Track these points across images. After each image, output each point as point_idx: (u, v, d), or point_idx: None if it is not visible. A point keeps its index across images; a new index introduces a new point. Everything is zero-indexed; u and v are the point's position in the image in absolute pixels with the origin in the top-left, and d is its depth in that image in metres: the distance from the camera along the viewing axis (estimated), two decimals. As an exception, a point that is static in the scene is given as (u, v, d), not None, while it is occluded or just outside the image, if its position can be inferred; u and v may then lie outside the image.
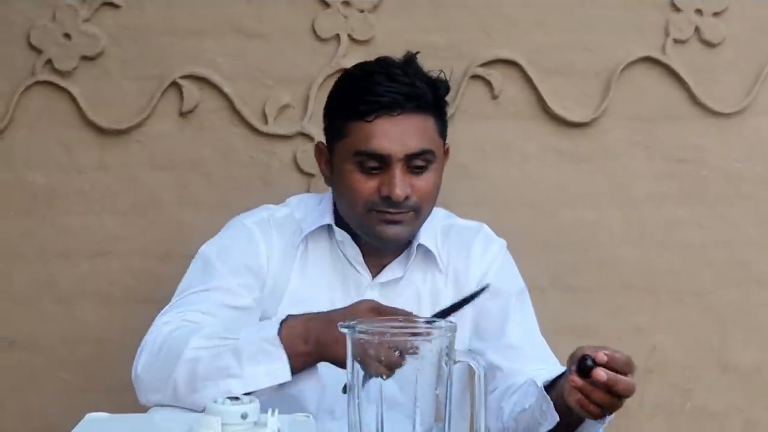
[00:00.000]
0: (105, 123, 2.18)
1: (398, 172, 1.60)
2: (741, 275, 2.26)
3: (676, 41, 2.21)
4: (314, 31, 2.18)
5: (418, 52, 1.69)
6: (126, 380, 1.57)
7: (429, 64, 2.16)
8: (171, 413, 1.42)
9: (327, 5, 2.18)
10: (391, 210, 1.61)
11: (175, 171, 2.20)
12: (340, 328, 1.21)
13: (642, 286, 2.25)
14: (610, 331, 2.25)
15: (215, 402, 1.09)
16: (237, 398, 1.10)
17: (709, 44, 2.22)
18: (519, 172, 2.23)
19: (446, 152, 1.74)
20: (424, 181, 1.63)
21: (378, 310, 1.41)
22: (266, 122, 2.19)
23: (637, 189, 2.25)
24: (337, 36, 2.18)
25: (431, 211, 1.70)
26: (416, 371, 1.17)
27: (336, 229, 1.71)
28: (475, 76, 2.20)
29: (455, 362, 1.20)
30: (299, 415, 1.25)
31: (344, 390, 1.41)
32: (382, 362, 1.35)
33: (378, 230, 1.63)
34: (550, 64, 2.21)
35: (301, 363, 1.45)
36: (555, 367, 1.60)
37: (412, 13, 2.20)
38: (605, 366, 1.36)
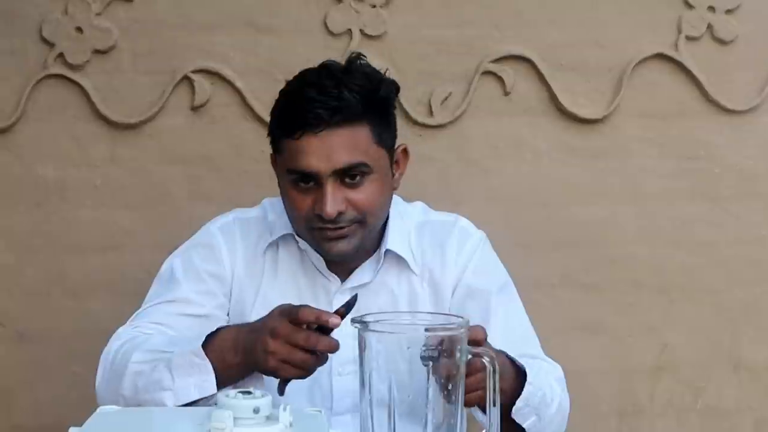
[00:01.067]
0: (116, 117, 2.18)
1: (329, 188, 1.54)
2: (753, 274, 2.25)
3: (688, 38, 2.21)
4: (326, 26, 2.18)
5: (360, 53, 1.64)
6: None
7: (441, 60, 2.17)
8: (183, 408, 1.42)
9: (339, 0, 2.18)
10: (329, 226, 1.57)
11: (186, 165, 2.21)
12: (351, 324, 1.20)
13: (653, 284, 2.24)
14: (621, 329, 2.24)
15: (227, 396, 1.09)
16: (249, 392, 1.10)
17: (722, 42, 2.21)
18: (531, 168, 2.22)
19: (404, 152, 1.67)
20: (362, 194, 1.57)
21: (287, 313, 1.38)
22: (277, 117, 2.19)
23: (649, 186, 2.24)
24: (349, 31, 2.18)
25: (382, 218, 1.64)
26: (427, 367, 1.16)
27: (297, 238, 1.67)
28: (487, 72, 2.20)
29: (466, 358, 1.19)
30: (310, 410, 1.24)
31: (280, 392, 1.40)
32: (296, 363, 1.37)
33: (323, 246, 1.60)
34: (562, 61, 2.21)
35: (234, 374, 1.44)
36: (530, 360, 1.53)
37: (424, 8, 2.19)
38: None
